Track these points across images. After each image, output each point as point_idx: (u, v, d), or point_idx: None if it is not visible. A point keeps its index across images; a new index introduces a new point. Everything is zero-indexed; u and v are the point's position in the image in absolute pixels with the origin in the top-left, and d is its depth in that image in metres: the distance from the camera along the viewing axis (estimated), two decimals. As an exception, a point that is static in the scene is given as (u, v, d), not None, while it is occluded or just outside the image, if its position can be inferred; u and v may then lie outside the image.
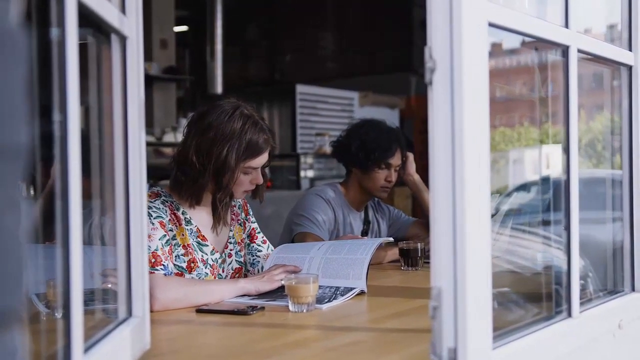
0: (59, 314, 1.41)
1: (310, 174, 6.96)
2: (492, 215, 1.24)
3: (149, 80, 6.77)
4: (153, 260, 1.88)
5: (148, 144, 1.39)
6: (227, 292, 1.91)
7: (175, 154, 2.11)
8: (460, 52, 1.11)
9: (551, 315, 1.50)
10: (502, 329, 1.28)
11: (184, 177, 2.05)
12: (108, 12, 1.17)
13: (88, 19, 1.09)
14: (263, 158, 2.08)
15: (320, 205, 2.84)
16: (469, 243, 1.12)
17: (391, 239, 2.41)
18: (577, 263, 1.50)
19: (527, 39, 1.49)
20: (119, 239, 1.33)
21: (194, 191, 2.05)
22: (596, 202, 1.96)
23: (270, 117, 8.01)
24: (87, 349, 1.04)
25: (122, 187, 1.32)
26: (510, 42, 1.50)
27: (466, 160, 1.12)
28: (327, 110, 8.15)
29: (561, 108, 1.53)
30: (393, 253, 2.68)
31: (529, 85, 1.91)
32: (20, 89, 0.57)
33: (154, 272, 1.85)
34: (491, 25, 1.21)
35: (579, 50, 1.52)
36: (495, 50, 1.23)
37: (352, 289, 2.01)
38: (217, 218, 2.12)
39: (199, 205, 2.10)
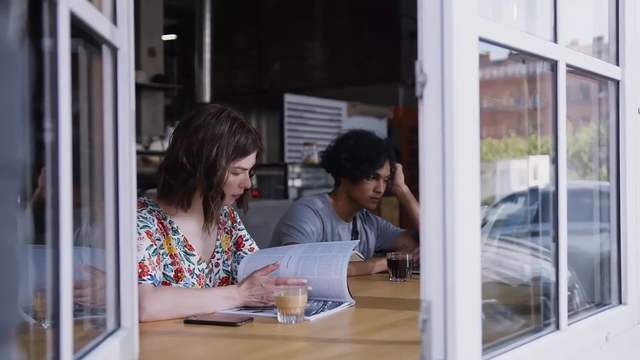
0: (46, 324, 1.41)
1: (297, 183, 6.96)
2: (481, 227, 1.25)
3: (137, 89, 6.68)
4: (140, 270, 1.87)
5: (135, 152, 1.39)
6: (216, 306, 1.90)
7: (162, 161, 2.11)
8: (451, 66, 1.12)
9: (539, 327, 1.51)
10: (490, 342, 1.29)
11: (174, 180, 2.04)
12: (100, 23, 1.17)
13: (80, 30, 1.09)
14: (252, 158, 2.10)
15: (308, 215, 2.84)
16: (459, 257, 1.13)
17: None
18: (565, 276, 1.51)
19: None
20: (107, 249, 1.32)
21: (184, 193, 2.05)
22: (582, 213, 1.97)
23: (258, 126, 8.02)
24: (75, 361, 1.03)
25: (111, 197, 1.31)
26: (498, 53, 1.51)
27: (457, 174, 1.13)
28: (315, 120, 8.17)
29: (548, 120, 1.55)
30: (381, 264, 2.68)
31: (516, 96, 1.92)
32: (19, 106, 0.57)
33: (141, 283, 1.85)
34: (482, 40, 1.22)
35: (568, 65, 1.53)
36: (483, 61, 1.24)
37: (340, 303, 2.00)
38: (210, 217, 2.11)
39: (189, 208, 2.09)
